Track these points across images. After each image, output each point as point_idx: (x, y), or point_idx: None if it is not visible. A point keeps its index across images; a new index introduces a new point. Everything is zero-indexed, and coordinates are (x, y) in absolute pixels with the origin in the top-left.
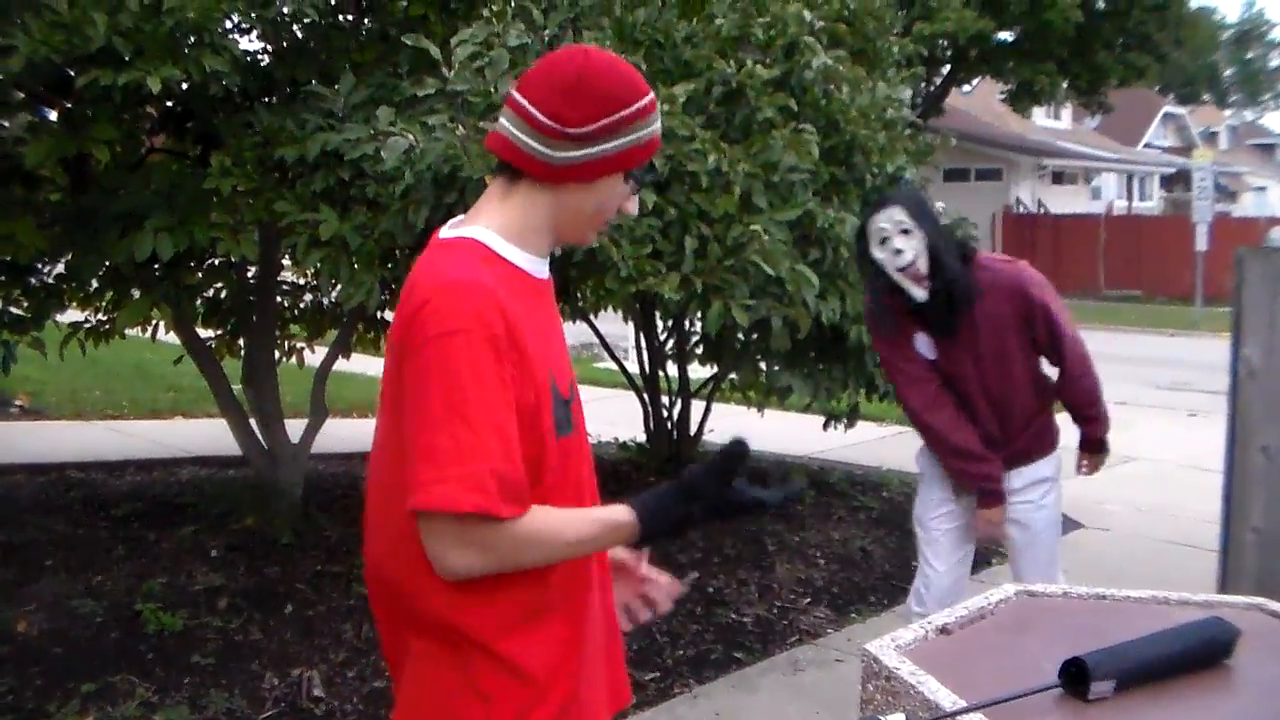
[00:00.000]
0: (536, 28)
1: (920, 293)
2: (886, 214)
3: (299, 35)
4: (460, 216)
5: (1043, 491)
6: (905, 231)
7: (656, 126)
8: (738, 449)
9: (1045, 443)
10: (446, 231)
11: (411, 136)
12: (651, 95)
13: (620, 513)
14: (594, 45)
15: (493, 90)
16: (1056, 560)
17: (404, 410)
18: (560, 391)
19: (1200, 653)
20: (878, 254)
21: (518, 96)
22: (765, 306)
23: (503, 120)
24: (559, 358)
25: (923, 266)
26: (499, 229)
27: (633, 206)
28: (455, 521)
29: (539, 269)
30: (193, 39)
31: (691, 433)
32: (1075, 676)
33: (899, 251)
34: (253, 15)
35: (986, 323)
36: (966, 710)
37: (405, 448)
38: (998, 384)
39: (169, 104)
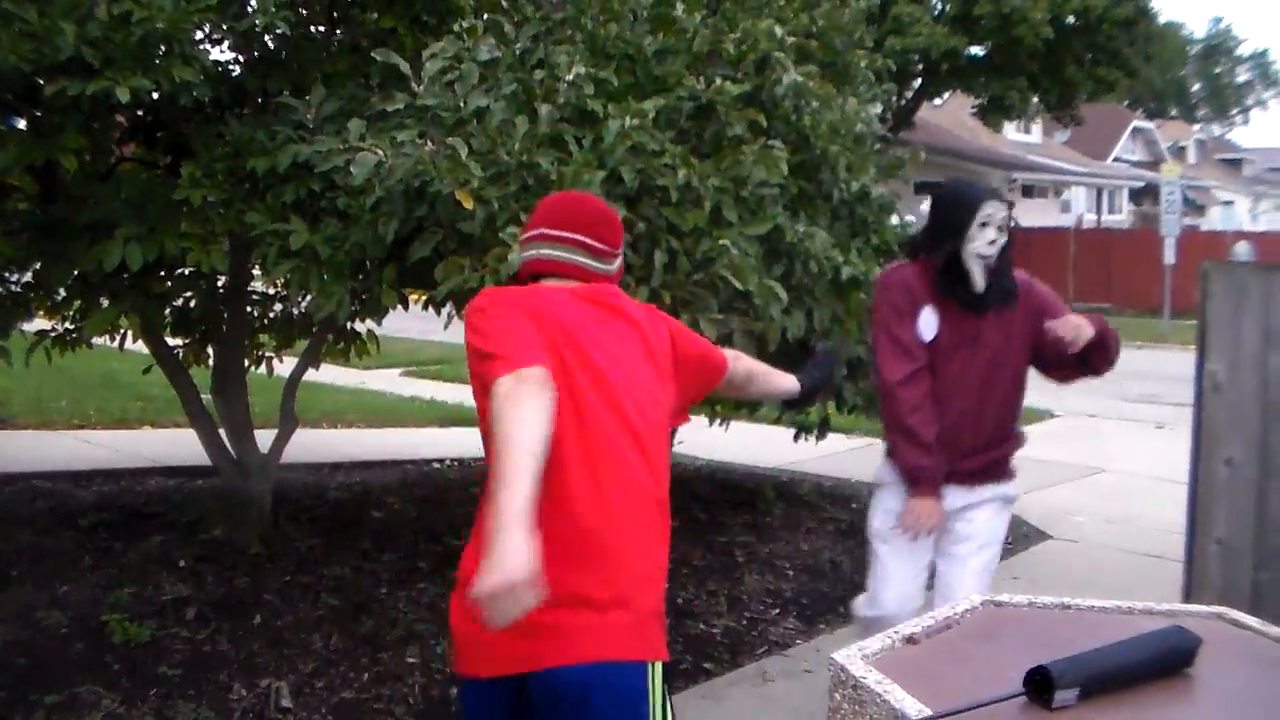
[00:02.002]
0: (508, 41)
1: (981, 284)
2: (999, 206)
3: (270, 46)
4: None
5: (990, 513)
6: (1001, 228)
7: None
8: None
9: (1003, 469)
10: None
11: (381, 152)
12: None
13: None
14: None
15: (462, 105)
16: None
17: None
18: None
19: (1162, 661)
20: (975, 235)
21: (571, 234)
22: (733, 322)
23: (558, 252)
24: None
25: (994, 263)
26: None
27: None
28: None
29: None
30: (163, 49)
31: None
32: (1039, 685)
33: (992, 242)
34: (224, 27)
35: (1000, 327)
36: (932, 719)
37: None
38: (983, 389)
39: (139, 113)
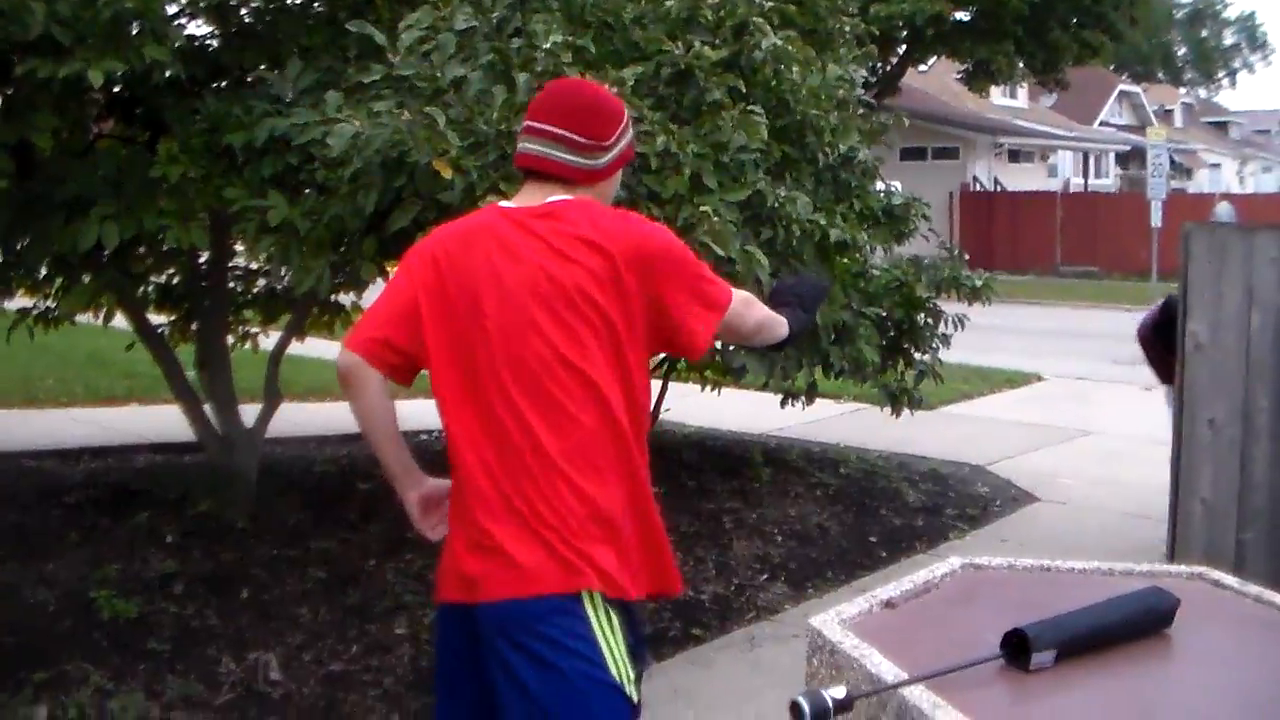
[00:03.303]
0: (484, 10)
1: None
2: None
3: (246, 20)
4: (526, 198)
5: None
6: None
7: (632, 128)
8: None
9: None
10: (557, 196)
11: (358, 123)
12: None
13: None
14: (574, 75)
15: (439, 75)
16: None
17: (670, 286)
18: None
19: (1140, 622)
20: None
21: (551, 127)
22: None
23: (533, 145)
24: None
25: None
26: None
27: None
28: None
29: None
30: (135, 28)
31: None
32: (1017, 647)
33: None
34: (199, 3)
35: None
36: (908, 683)
37: (685, 304)
38: None
39: (115, 90)
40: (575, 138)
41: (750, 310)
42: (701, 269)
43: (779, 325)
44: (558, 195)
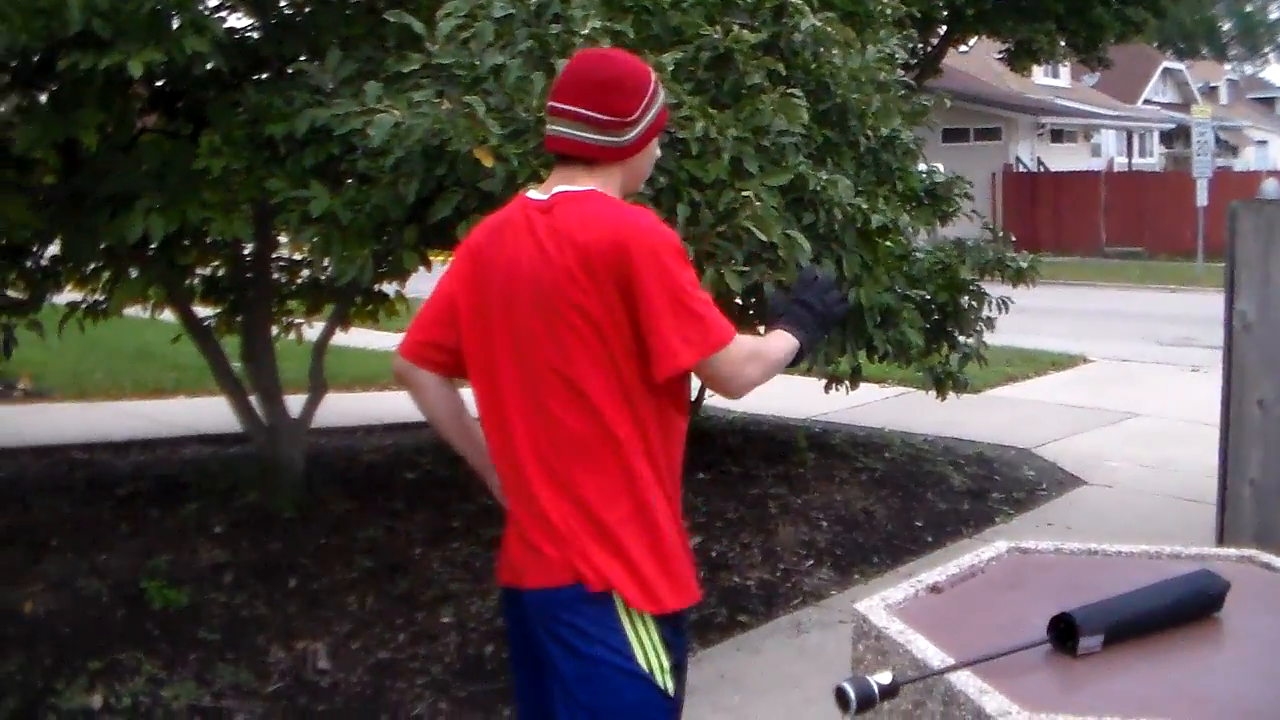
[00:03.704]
0: None
1: None
2: None
3: (286, 11)
4: (550, 185)
5: None
6: None
7: (663, 91)
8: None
9: None
10: (565, 187)
11: (398, 112)
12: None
13: (791, 339)
14: (596, 45)
15: (478, 63)
16: None
17: (645, 285)
18: None
19: (1189, 606)
20: None
21: (571, 107)
22: (759, 272)
23: (557, 126)
24: None
25: None
26: (615, 195)
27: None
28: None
29: None
30: (175, 20)
31: (692, 398)
32: (1064, 632)
33: None
34: None
35: None
36: (954, 668)
37: (661, 311)
38: None
39: (158, 83)
40: (598, 116)
41: (750, 367)
42: (692, 289)
43: (782, 356)
44: (581, 178)
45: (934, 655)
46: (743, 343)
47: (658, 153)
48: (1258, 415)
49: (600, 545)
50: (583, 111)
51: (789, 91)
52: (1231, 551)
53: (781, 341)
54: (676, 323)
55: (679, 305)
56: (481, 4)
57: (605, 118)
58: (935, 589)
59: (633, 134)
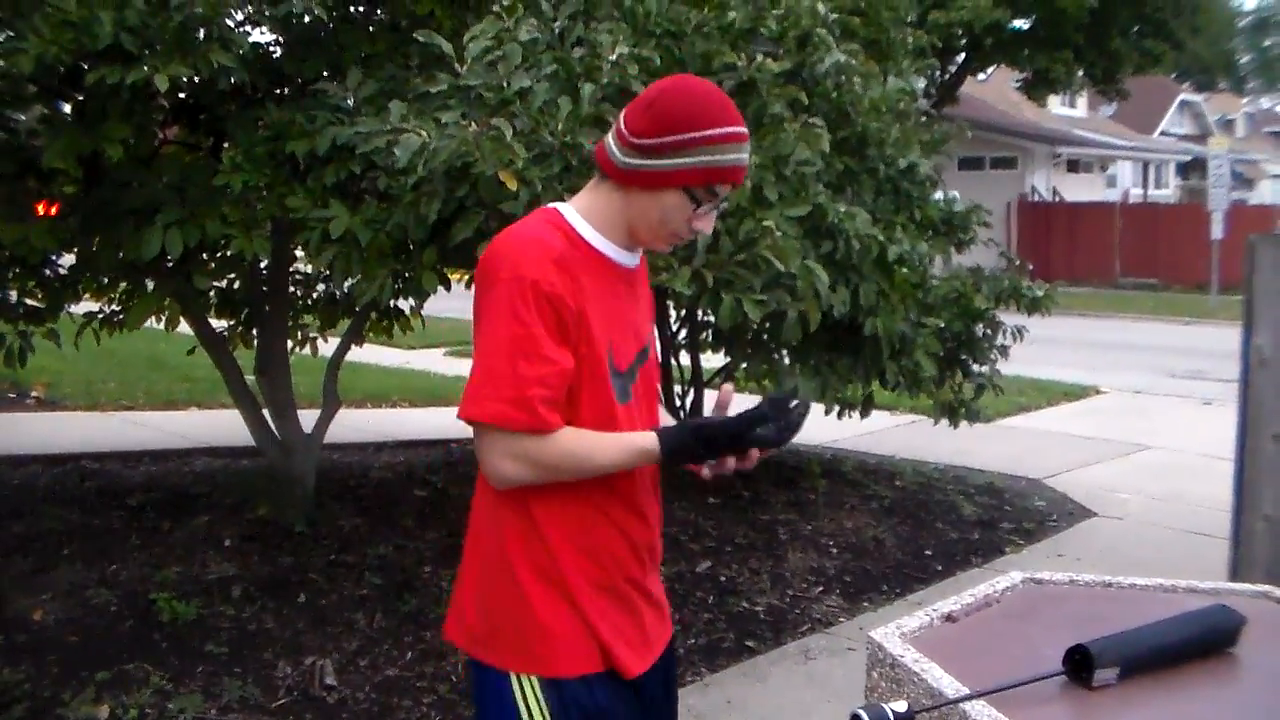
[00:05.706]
0: (547, 20)
1: None
2: None
3: (309, 29)
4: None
5: None
6: None
7: (735, 157)
8: (760, 413)
9: None
10: (590, 192)
11: (425, 133)
12: (735, 129)
13: (648, 441)
14: (694, 77)
15: (505, 85)
16: None
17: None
18: (616, 366)
19: (1205, 640)
20: None
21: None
22: (777, 299)
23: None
24: (623, 336)
25: None
26: (581, 211)
27: (708, 226)
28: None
29: (621, 257)
30: (201, 34)
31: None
32: (1079, 664)
33: None
34: (265, 12)
35: None
36: (969, 698)
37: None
38: None
39: (181, 96)
40: (618, 123)
41: (506, 463)
42: (494, 332)
43: (604, 462)
44: (582, 191)
45: (949, 684)
46: (509, 435)
47: (694, 221)
48: (1273, 450)
49: (482, 619)
50: (620, 115)
51: (810, 121)
52: (1247, 587)
53: (628, 450)
54: (475, 362)
55: (477, 345)
56: (508, 27)
57: (621, 127)
58: (950, 618)
59: (634, 160)
